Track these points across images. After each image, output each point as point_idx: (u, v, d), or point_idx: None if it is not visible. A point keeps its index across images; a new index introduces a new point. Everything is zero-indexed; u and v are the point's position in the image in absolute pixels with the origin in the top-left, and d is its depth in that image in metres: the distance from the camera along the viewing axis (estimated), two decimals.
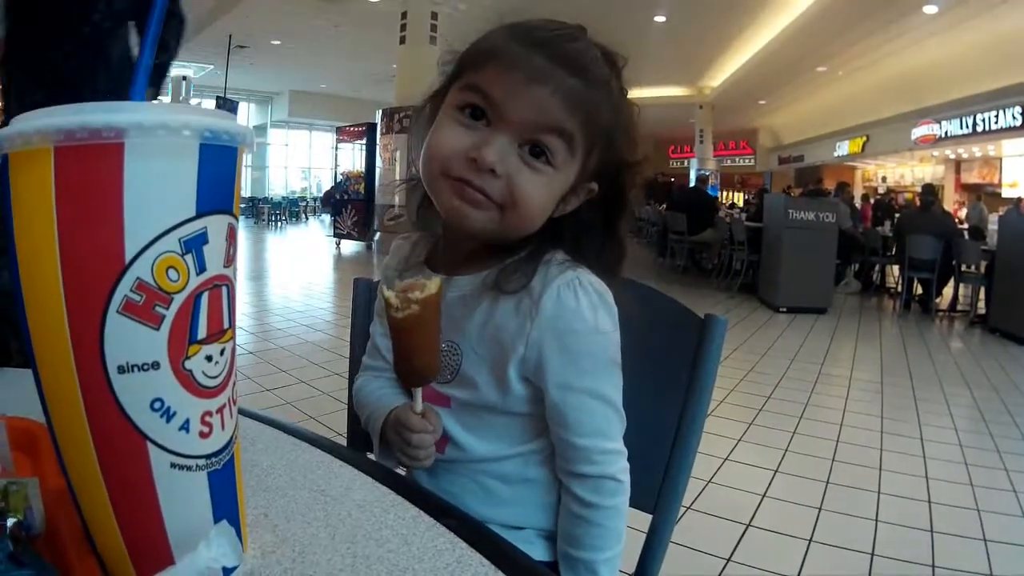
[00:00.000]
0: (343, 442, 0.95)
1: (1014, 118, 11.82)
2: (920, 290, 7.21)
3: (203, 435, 0.38)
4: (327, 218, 16.55)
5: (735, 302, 6.91)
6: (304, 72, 17.68)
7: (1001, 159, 15.69)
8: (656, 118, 17.02)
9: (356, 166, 12.38)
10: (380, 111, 10.91)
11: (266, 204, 18.44)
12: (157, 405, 0.36)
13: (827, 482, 2.61)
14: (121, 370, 0.34)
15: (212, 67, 15.98)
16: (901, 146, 15.71)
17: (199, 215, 0.36)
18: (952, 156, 16.57)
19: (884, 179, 20.17)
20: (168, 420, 0.36)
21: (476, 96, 0.67)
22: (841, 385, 4.07)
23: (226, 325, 0.39)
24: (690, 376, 0.84)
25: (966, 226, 9.45)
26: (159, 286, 0.35)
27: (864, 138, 17.20)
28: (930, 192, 7.44)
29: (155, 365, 0.35)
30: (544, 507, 0.77)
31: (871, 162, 19.73)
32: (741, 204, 18.00)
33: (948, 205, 14.25)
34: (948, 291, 7.34)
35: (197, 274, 0.36)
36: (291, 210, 19.94)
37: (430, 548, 0.48)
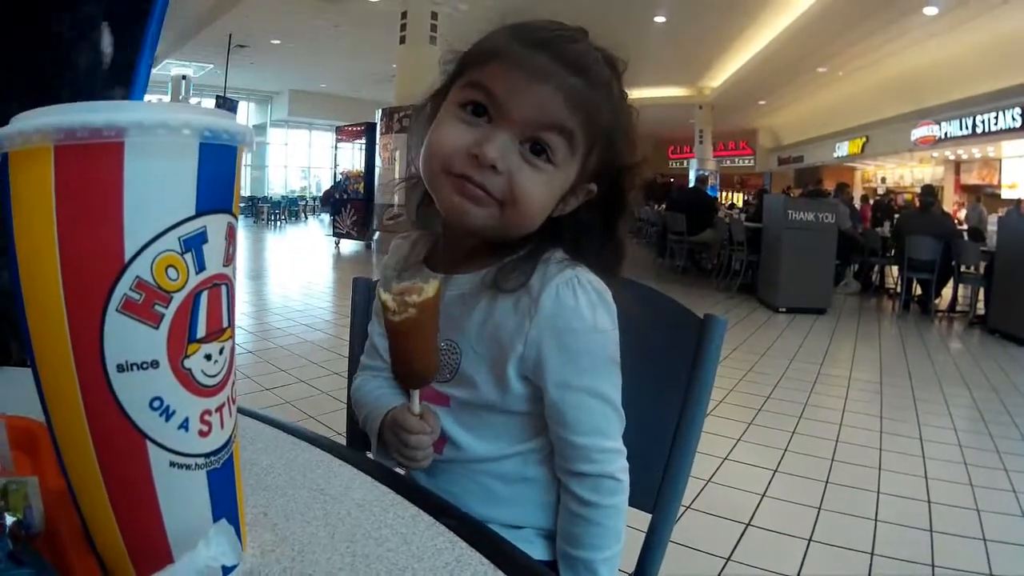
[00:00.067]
0: (342, 441, 0.95)
1: (1014, 119, 11.81)
2: (919, 291, 7.21)
3: (202, 434, 0.38)
4: (326, 217, 16.56)
5: (734, 302, 6.91)
6: (304, 72, 17.67)
7: (1001, 160, 15.69)
8: (656, 118, 17.00)
9: (356, 166, 12.38)
10: (380, 111, 10.91)
11: (265, 203, 18.43)
12: (156, 404, 0.36)
13: (826, 482, 2.61)
14: (120, 369, 0.34)
15: (212, 66, 15.98)
16: (901, 147, 15.71)
17: (199, 214, 0.36)
18: (952, 157, 16.57)
19: (884, 180, 20.18)
20: (167, 419, 0.36)
21: (478, 93, 0.67)
22: (840, 385, 4.07)
23: (225, 324, 0.39)
24: (689, 376, 0.85)
25: (965, 227, 9.44)
26: (158, 285, 0.35)
27: (864, 139, 17.20)
28: (930, 193, 7.44)
29: (154, 364, 0.35)
30: (543, 506, 0.77)
31: (871, 163, 19.73)
32: (740, 204, 17.99)
33: (947, 206, 14.24)
34: (947, 292, 7.34)
35: (196, 273, 0.36)
36: (290, 209, 19.94)
37: (429, 547, 0.48)
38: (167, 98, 15.72)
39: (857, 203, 12.18)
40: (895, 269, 7.87)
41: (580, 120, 0.67)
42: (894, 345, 5.34)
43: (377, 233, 11.05)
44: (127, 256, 0.34)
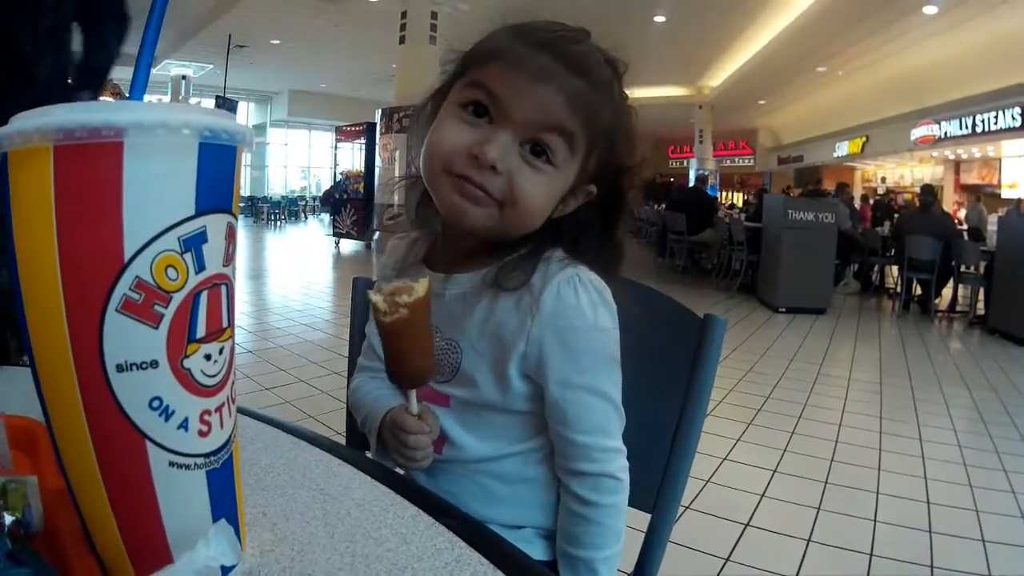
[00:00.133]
0: (342, 441, 0.95)
1: (1013, 119, 11.81)
2: (919, 291, 7.21)
3: (202, 434, 0.38)
4: (326, 217, 16.55)
5: (734, 302, 6.91)
6: (303, 71, 17.66)
7: (1000, 160, 15.69)
8: (656, 118, 17.00)
9: (355, 165, 12.38)
10: (379, 111, 10.89)
11: (265, 203, 18.43)
12: (156, 404, 0.36)
13: (826, 482, 2.61)
14: (120, 369, 0.34)
15: (211, 66, 15.97)
16: (900, 147, 15.71)
17: (198, 214, 0.36)
18: (951, 157, 16.57)
19: (883, 180, 20.18)
20: (167, 419, 0.36)
21: (480, 93, 0.67)
22: (840, 385, 4.07)
23: (225, 324, 0.39)
24: (689, 376, 0.85)
25: (965, 227, 9.44)
26: (158, 285, 0.35)
27: (864, 138, 17.20)
28: (929, 193, 7.45)
29: (154, 364, 0.35)
30: (543, 506, 0.77)
31: (870, 162, 19.74)
32: (740, 204, 18.00)
33: (947, 206, 14.25)
34: (947, 292, 7.34)
35: (196, 273, 0.36)
36: (290, 209, 19.93)
37: (429, 547, 0.48)
38: (167, 98, 15.72)
39: (857, 203, 12.19)
40: (895, 269, 7.87)
41: (581, 122, 0.67)
42: (894, 345, 5.35)
43: (377, 233, 11.05)
44: (126, 256, 0.34)
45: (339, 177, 13.18)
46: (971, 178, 16.77)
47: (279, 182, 24.26)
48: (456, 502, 0.71)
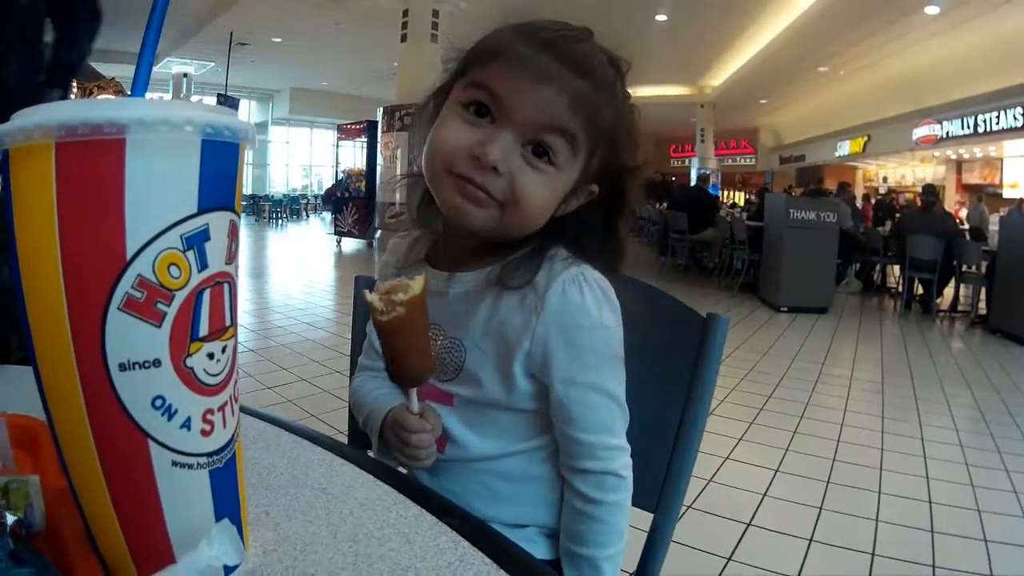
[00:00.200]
0: (344, 440, 0.95)
1: (1015, 119, 11.80)
2: (921, 290, 7.21)
3: (204, 433, 0.38)
4: (328, 216, 16.55)
5: (736, 301, 6.91)
6: (305, 69, 17.66)
7: (1002, 160, 15.67)
8: (657, 117, 16.99)
9: (357, 164, 12.38)
10: (381, 109, 10.90)
11: (267, 202, 18.45)
12: (158, 403, 0.35)
13: (828, 482, 2.61)
14: (122, 367, 0.34)
15: (213, 64, 15.97)
16: (902, 146, 15.70)
17: (201, 211, 0.36)
18: (953, 156, 16.56)
19: (885, 179, 20.17)
20: (169, 418, 0.36)
21: (481, 93, 0.67)
22: (842, 385, 4.07)
23: (228, 322, 0.39)
24: (691, 375, 0.84)
25: (967, 227, 9.44)
26: (160, 283, 0.34)
27: (865, 138, 17.19)
28: (931, 192, 7.45)
29: (156, 363, 0.35)
30: (547, 504, 0.77)
31: (872, 162, 19.72)
32: (742, 203, 17.99)
33: (949, 206, 14.23)
34: (949, 291, 7.34)
35: (199, 271, 0.36)
36: (292, 208, 19.95)
37: (432, 547, 0.47)
38: (168, 96, 15.74)
39: (859, 202, 12.18)
40: (897, 268, 7.87)
41: (583, 122, 0.66)
42: (896, 345, 5.34)
43: (379, 231, 11.05)
44: (129, 254, 0.33)
45: (341, 175, 13.18)
46: (973, 178, 16.76)
47: (281, 180, 24.27)
48: (459, 501, 0.71)
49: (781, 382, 4.01)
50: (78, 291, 0.33)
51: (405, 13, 9.86)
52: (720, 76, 15.58)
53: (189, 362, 0.36)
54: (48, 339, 0.34)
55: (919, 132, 14.54)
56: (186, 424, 0.37)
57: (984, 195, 14.33)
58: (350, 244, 11.73)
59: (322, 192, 20.42)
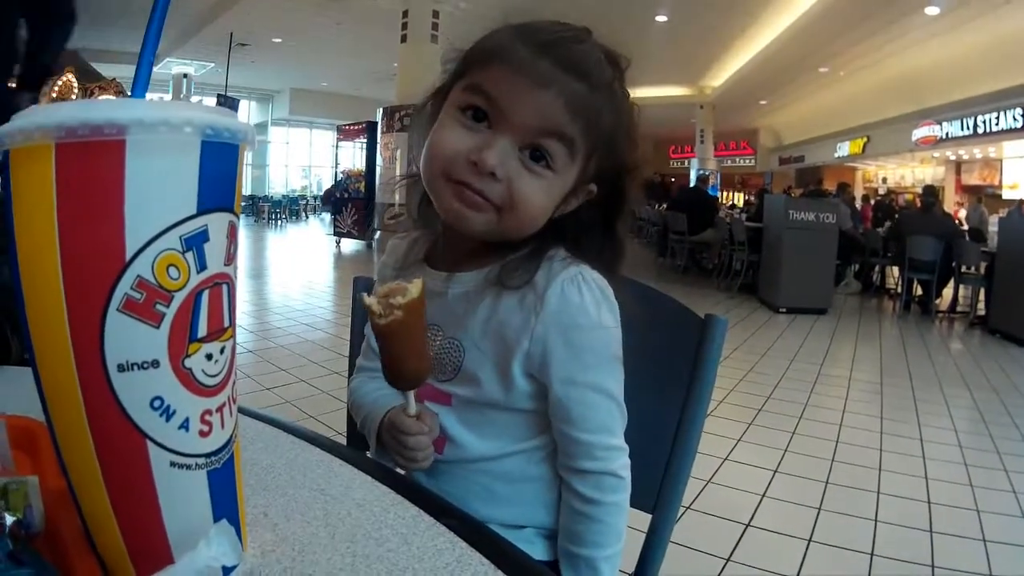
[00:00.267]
0: (343, 441, 0.95)
1: (1015, 120, 11.81)
2: (920, 291, 7.21)
3: (203, 434, 0.38)
4: (327, 216, 16.54)
5: (735, 302, 6.91)
6: (305, 70, 17.67)
7: (1002, 161, 15.68)
8: (657, 118, 17.00)
9: (356, 164, 12.38)
10: (381, 109, 10.90)
11: (266, 202, 18.44)
12: (157, 404, 0.36)
13: (827, 482, 2.61)
14: (121, 368, 0.34)
15: (213, 65, 15.97)
16: (902, 147, 15.71)
17: (200, 212, 0.36)
18: (953, 157, 16.57)
19: (885, 180, 20.18)
20: (168, 419, 0.36)
21: (479, 98, 0.67)
22: (841, 386, 4.07)
23: (226, 323, 0.39)
24: (690, 376, 0.84)
25: (966, 227, 9.44)
26: (159, 284, 0.35)
27: (865, 139, 17.20)
28: (931, 193, 7.45)
29: (155, 363, 0.35)
30: (545, 505, 0.77)
31: (872, 163, 19.73)
32: (741, 204, 18.00)
33: (948, 206, 14.25)
34: (948, 292, 7.34)
35: (198, 272, 0.36)
36: (291, 208, 19.94)
37: (430, 547, 0.48)
38: (168, 96, 15.74)
39: (858, 203, 12.19)
40: (896, 269, 7.87)
41: (581, 126, 0.66)
42: (895, 345, 5.34)
43: (378, 232, 11.05)
44: (128, 255, 0.34)
45: (340, 176, 13.18)
46: (972, 179, 16.77)
47: (280, 181, 24.27)
48: (457, 502, 0.71)
49: (780, 383, 4.02)
50: (77, 292, 0.33)
51: (405, 14, 9.87)
52: (720, 77, 15.59)
53: (188, 363, 0.36)
54: (47, 340, 0.34)
55: (919, 133, 14.55)
56: (184, 425, 0.37)
57: (983, 196, 14.34)
58: (349, 245, 11.73)
59: (321, 193, 20.42)
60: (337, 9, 11.61)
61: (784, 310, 6.40)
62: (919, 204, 7.83)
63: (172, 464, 0.37)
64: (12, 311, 0.35)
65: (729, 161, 23.23)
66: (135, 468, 0.36)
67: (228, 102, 13.39)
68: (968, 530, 2.26)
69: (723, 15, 10.92)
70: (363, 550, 0.47)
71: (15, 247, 0.34)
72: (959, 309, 7.10)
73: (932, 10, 9.79)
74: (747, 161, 23.52)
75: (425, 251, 0.82)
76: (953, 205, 15.55)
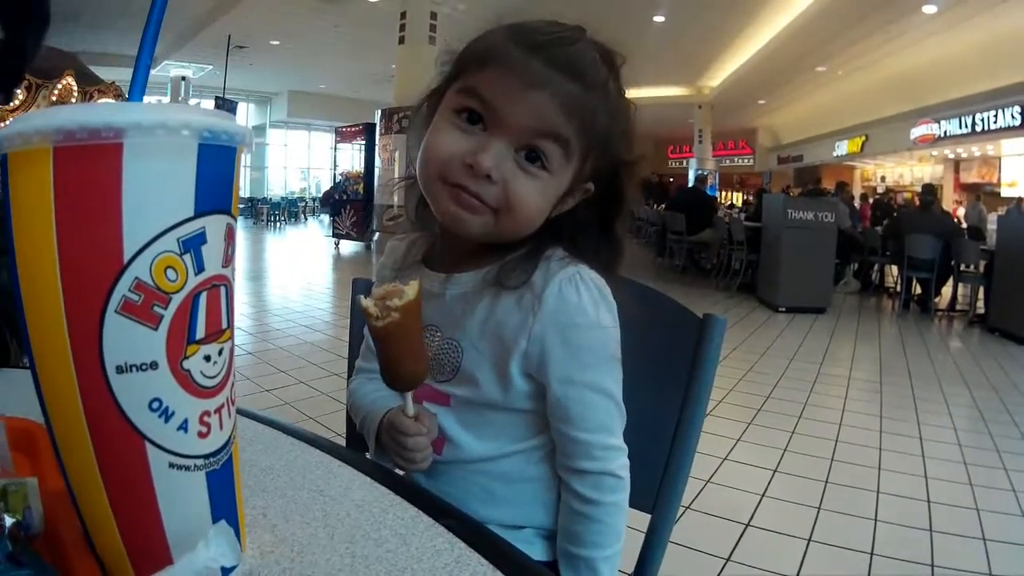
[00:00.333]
0: (342, 442, 0.95)
1: (1013, 118, 11.83)
2: (919, 290, 7.21)
3: (201, 435, 0.38)
4: (326, 218, 16.56)
5: (734, 302, 6.91)
6: (303, 72, 17.67)
7: (1000, 159, 15.71)
8: (655, 118, 17.00)
9: (355, 166, 12.41)
10: (379, 111, 10.91)
11: (265, 204, 18.44)
12: (155, 405, 0.36)
13: (826, 482, 2.61)
14: (120, 370, 0.34)
15: (211, 67, 15.97)
16: (900, 146, 15.72)
17: (197, 215, 0.36)
18: (951, 156, 16.58)
19: (883, 179, 20.19)
20: (166, 420, 0.36)
21: (473, 101, 0.67)
22: (840, 385, 4.07)
23: (224, 325, 0.39)
24: (689, 375, 0.85)
25: (965, 226, 9.45)
26: (157, 286, 0.35)
27: (863, 138, 17.21)
28: (929, 192, 7.45)
29: (153, 365, 0.35)
30: (544, 505, 0.77)
31: (870, 162, 19.75)
32: (740, 204, 18.00)
33: (947, 205, 14.26)
34: (947, 291, 7.34)
35: (195, 274, 0.36)
36: (290, 210, 19.93)
37: (429, 548, 0.48)
38: (166, 99, 15.73)
39: (857, 202, 12.19)
40: (895, 268, 7.87)
41: (576, 127, 0.66)
42: (894, 344, 5.35)
43: (377, 234, 11.05)
44: (126, 257, 0.34)
45: (339, 178, 13.20)
46: (971, 177, 16.79)
47: (279, 183, 24.28)
48: (456, 503, 0.71)
49: (779, 382, 4.02)
50: (76, 294, 0.33)
51: (403, 16, 9.87)
52: (718, 77, 15.60)
53: (186, 364, 0.37)
54: (46, 342, 0.34)
55: (917, 131, 14.56)
56: (183, 426, 0.37)
57: (982, 194, 14.36)
58: (348, 246, 11.73)
59: (320, 195, 20.41)
60: (335, 11, 11.61)
61: (783, 309, 6.40)
62: (918, 203, 7.83)
63: (171, 465, 0.37)
64: (11, 314, 0.36)
65: (727, 161, 23.24)
66: (134, 469, 0.36)
67: (226, 105, 13.38)
68: (968, 529, 2.26)
69: (721, 15, 10.94)
70: (362, 551, 0.47)
71: (14, 250, 0.34)
72: (958, 307, 7.11)
73: (930, 9, 9.80)
74: (745, 161, 23.53)
75: (423, 252, 0.82)
76: (952, 203, 15.56)
